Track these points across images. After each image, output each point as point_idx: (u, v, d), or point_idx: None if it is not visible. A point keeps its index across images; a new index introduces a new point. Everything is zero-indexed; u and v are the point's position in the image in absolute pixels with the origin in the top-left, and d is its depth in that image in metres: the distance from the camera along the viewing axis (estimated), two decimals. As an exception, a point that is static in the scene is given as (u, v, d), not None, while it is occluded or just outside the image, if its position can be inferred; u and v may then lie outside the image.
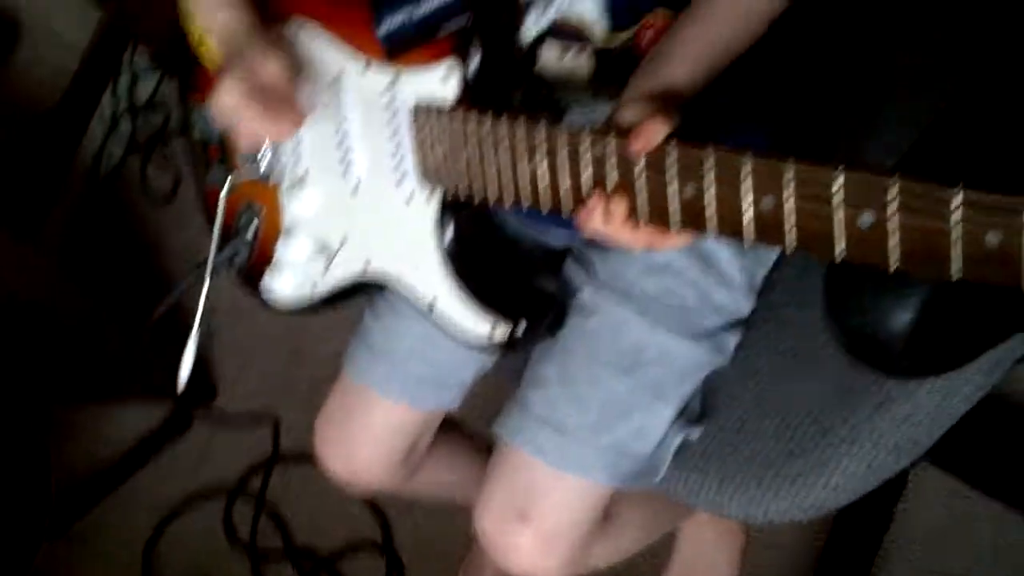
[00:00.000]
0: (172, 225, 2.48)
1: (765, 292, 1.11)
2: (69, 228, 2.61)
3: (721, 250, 1.05)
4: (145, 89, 2.58)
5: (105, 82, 2.61)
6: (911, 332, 0.83)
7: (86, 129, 2.63)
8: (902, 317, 0.82)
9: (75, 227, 2.62)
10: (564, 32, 0.99)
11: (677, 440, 1.06)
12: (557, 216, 0.88)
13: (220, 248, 1.14)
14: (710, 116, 1.01)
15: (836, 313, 0.86)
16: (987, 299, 0.87)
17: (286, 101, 0.99)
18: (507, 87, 0.97)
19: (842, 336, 0.87)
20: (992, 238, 0.63)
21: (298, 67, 1.02)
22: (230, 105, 0.96)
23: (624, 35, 0.98)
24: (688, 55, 0.90)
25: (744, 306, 1.08)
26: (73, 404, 2.10)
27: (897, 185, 0.66)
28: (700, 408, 1.09)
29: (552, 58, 1.00)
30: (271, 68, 0.99)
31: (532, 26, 0.98)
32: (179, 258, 2.44)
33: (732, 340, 1.08)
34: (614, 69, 0.98)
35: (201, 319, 1.09)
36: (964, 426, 1.04)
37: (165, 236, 2.49)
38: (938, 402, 0.99)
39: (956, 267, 0.65)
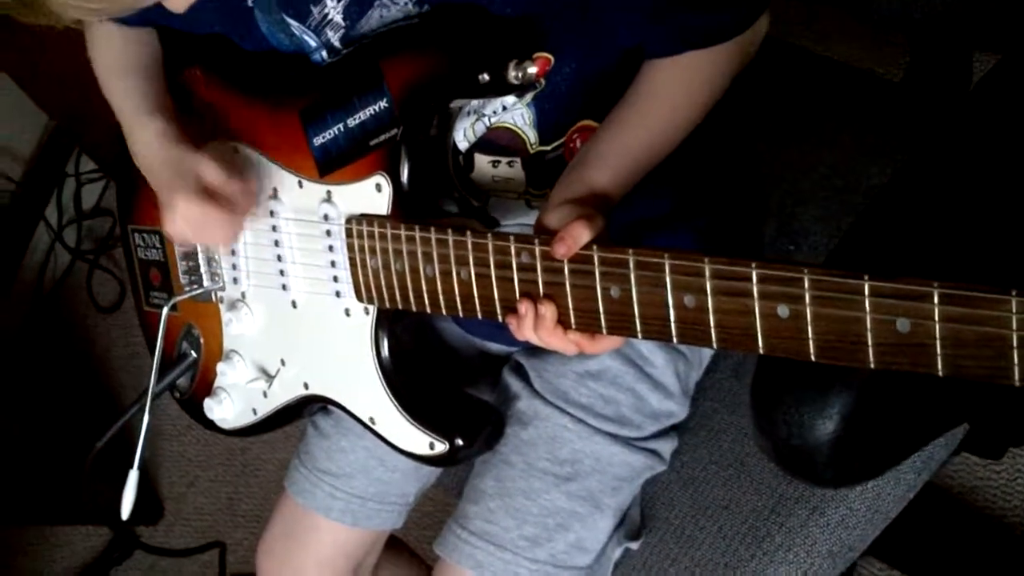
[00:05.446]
0: (119, 333, 2.47)
1: (699, 397, 1.12)
2: (15, 339, 2.59)
3: (656, 355, 1.06)
4: (90, 196, 2.59)
5: (50, 191, 2.61)
6: (834, 443, 0.84)
7: (31, 238, 2.63)
8: (825, 428, 0.84)
9: (21, 338, 2.60)
10: (498, 142, 1.00)
11: (617, 553, 1.06)
12: (493, 323, 0.89)
13: (161, 375, 1.14)
14: (644, 220, 1.03)
15: (763, 426, 0.88)
16: (909, 403, 0.90)
17: (236, 199, 1.01)
18: (438, 197, 0.97)
19: (770, 448, 0.89)
20: (902, 325, 0.64)
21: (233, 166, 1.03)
22: (192, 223, 0.98)
23: (554, 145, 0.99)
24: (610, 159, 0.90)
25: (679, 411, 1.09)
26: (18, 524, 2.06)
27: (809, 276, 0.68)
28: (640, 519, 1.09)
29: (487, 168, 1.01)
30: (211, 172, 0.99)
31: (463, 138, 0.99)
32: (127, 366, 2.42)
33: (669, 446, 1.09)
34: (547, 179, 1.00)
35: (142, 450, 1.09)
36: (908, 520, 1.05)
37: (112, 344, 2.47)
38: (870, 504, 1.01)
39: (872, 355, 0.67)
